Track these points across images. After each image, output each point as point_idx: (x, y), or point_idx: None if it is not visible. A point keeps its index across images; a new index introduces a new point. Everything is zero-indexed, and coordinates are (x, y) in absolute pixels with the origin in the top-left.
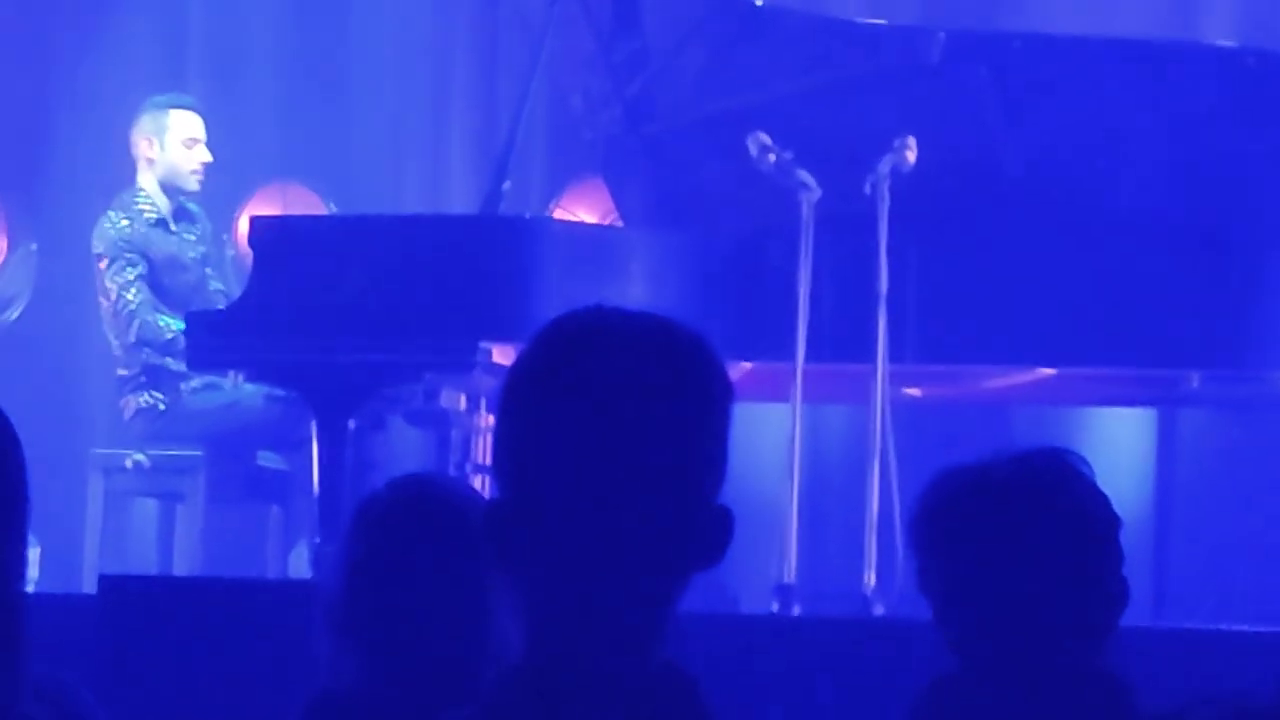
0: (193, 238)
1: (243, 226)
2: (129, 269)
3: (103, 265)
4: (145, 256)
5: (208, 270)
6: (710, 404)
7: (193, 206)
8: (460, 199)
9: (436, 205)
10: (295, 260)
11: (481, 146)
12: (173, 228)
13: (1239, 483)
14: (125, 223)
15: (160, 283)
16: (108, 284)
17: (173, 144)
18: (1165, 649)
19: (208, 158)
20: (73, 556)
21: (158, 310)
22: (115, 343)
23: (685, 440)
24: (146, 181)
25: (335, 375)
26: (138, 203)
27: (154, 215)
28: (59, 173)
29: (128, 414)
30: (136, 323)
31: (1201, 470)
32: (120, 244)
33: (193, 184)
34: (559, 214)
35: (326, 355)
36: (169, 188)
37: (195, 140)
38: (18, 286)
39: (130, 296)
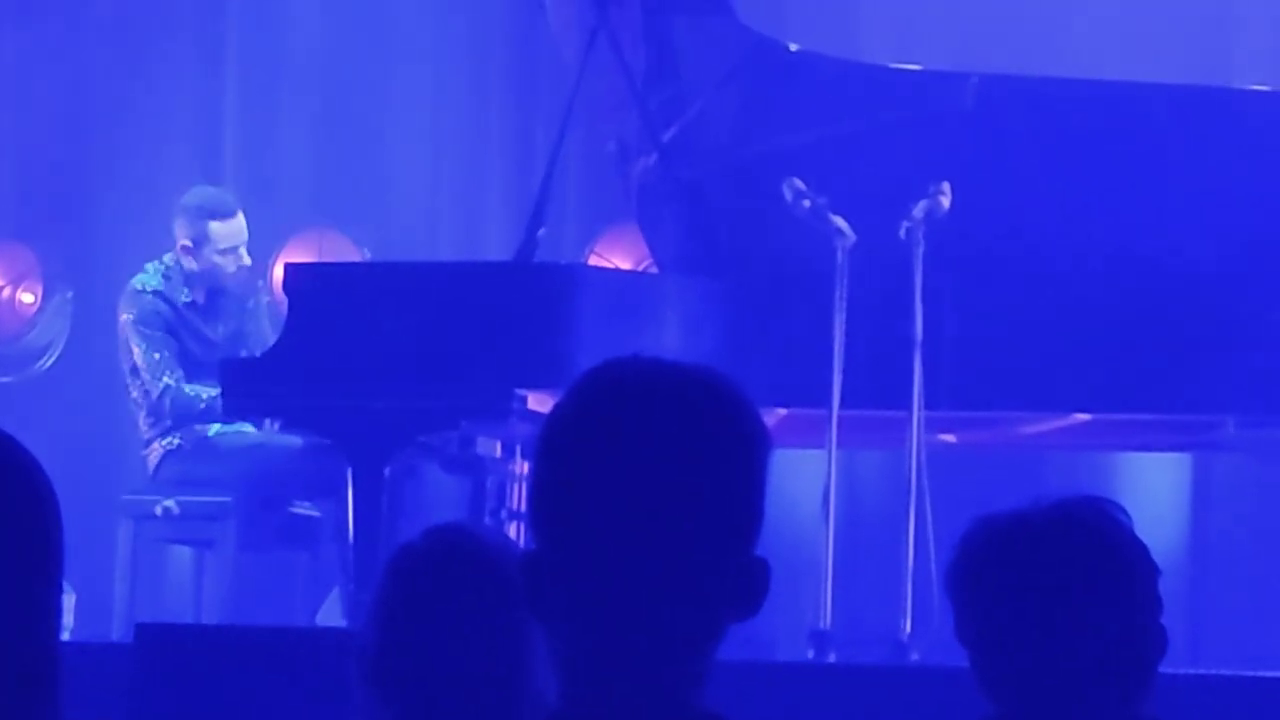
0: (233, 305)
1: (278, 273)
2: (162, 349)
3: (133, 339)
4: (173, 333)
5: (249, 339)
6: (747, 456)
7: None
8: (495, 245)
9: (472, 252)
10: (330, 307)
11: (517, 192)
12: (210, 304)
13: (1274, 528)
14: (153, 299)
15: (189, 352)
16: (138, 357)
17: (211, 253)
18: (1202, 695)
19: (247, 261)
20: (104, 603)
21: (186, 383)
22: (138, 400)
23: (722, 492)
24: (188, 265)
25: (371, 422)
26: (171, 281)
27: (185, 299)
28: (94, 222)
29: (153, 461)
30: (169, 397)
31: (1237, 515)
32: (149, 321)
33: (232, 283)
34: (594, 260)
35: (362, 402)
36: (206, 281)
37: (234, 247)
38: (53, 334)
39: (161, 375)
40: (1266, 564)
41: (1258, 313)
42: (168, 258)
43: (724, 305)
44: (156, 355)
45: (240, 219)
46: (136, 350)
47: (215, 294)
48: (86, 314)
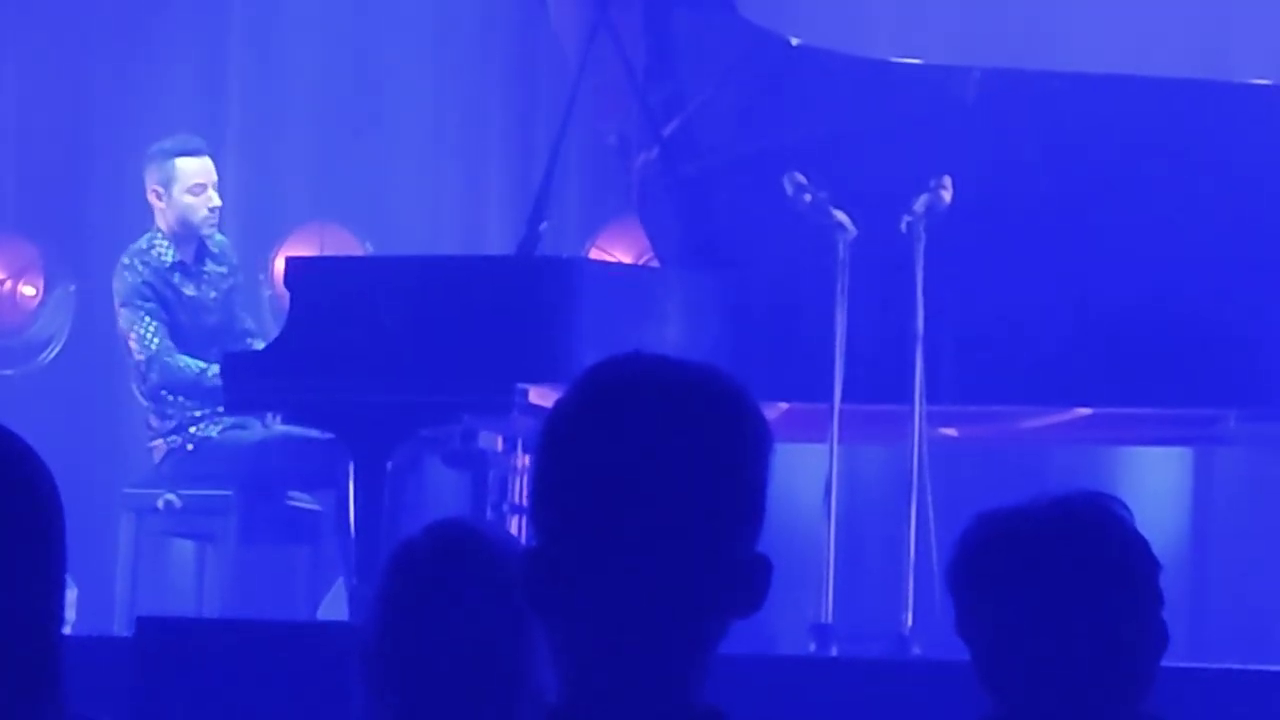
0: (222, 268)
1: (279, 267)
2: (146, 317)
3: (122, 313)
4: (163, 303)
5: (237, 308)
6: (749, 454)
7: (219, 238)
8: (497, 239)
9: (473, 246)
10: (332, 301)
11: (518, 186)
12: (197, 268)
13: (1275, 522)
14: (141, 268)
15: (180, 324)
16: (127, 331)
17: (180, 193)
18: (1203, 690)
19: (217, 202)
20: (106, 597)
21: (177, 353)
22: (138, 389)
23: (723, 490)
24: (163, 225)
25: (373, 417)
26: (154, 248)
27: (171, 259)
28: (98, 215)
29: (158, 457)
30: (156, 366)
31: (1238, 510)
32: (137, 291)
33: (206, 228)
34: (595, 254)
35: (364, 396)
36: (184, 234)
37: (203, 186)
38: (55, 328)
39: (149, 343)
40: (1267, 558)
41: (1259, 306)
42: (143, 239)
43: (725, 300)
44: (144, 323)
45: (208, 160)
46: (127, 326)
47: (201, 256)
48: (88, 308)
